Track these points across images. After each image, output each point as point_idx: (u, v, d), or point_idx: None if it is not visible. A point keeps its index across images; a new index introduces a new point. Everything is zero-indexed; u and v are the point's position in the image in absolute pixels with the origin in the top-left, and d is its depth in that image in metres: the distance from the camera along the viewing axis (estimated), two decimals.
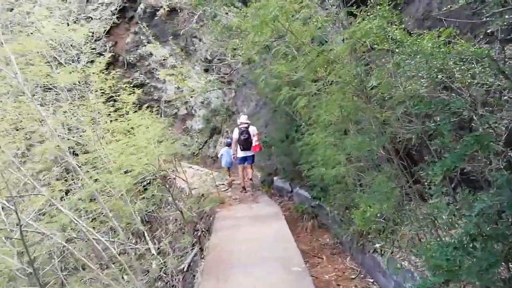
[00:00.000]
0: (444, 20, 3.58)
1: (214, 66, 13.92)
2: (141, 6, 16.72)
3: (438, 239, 2.86)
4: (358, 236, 4.84)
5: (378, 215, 3.44)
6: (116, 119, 9.38)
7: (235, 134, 7.59)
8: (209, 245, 4.58)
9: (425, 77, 3.11)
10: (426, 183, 3.34)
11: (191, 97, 15.76)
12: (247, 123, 7.62)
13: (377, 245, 3.98)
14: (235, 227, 5.18)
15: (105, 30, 16.01)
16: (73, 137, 8.63)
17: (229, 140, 9.81)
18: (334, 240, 5.86)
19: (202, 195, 7.40)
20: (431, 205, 2.63)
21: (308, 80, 4.50)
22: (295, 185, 7.72)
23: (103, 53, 15.93)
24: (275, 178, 8.66)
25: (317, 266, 5.22)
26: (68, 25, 9.55)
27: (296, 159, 7.28)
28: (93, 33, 15.96)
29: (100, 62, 8.73)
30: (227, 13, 10.19)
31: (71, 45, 9.06)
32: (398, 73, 3.28)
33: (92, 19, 15.99)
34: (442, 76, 3.16)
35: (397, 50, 3.33)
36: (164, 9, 14.66)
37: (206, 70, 14.94)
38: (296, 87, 6.01)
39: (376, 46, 3.48)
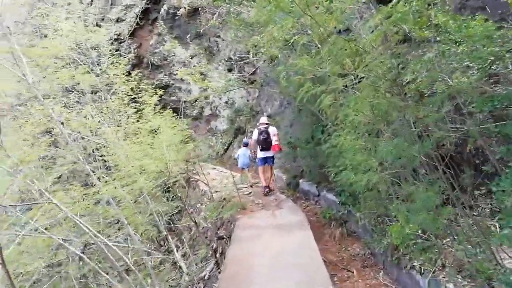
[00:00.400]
0: (482, 9, 3.04)
1: (236, 65, 13.65)
2: (164, 7, 16.70)
3: (497, 264, 2.33)
4: (393, 249, 4.31)
5: (419, 231, 2.94)
6: (138, 121, 9.29)
7: (255, 134, 7.44)
8: (227, 257, 4.22)
9: (476, 67, 2.59)
10: (473, 192, 2.80)
11: (215, 97, 15.60)
12: (266, 123, 7.45)
13: (416, 263, 3.46)
14: (256, 238, 4.78)
15: (129, 32, 16.12)
16: (94, 140, 8.59)
17: (246, 140, 9.97)
18: (365, 251, 5.32)
19: (224, 199, 7.06)
20: (502, 237, 2.08)
21: (334, 75, 4.02)
22: (322, 188, 7.23)
23: (128, 55, 16.10)
24: (300, 180, 8.20)
25: (346, 280, 4.73)
26: (86, 26, 9.60)
27: (322, 162, 6.80)
28: (118, 35, 16.19)
29: (120, 64, 8.53)
30: (248, 10, 9.84)
31: (92, 47, 9.00)
32: (441, 64, 2.76)
33: (116, 21, 16.14)
34: (497, 66, 2.62)
35: (440, 38, 2.82)
36: (185, 8, 14.46)
37: (230, 70, 14.68)
38: (321, 84, 5.55)
39: (413, 33, 2.98)
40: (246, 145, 9.58)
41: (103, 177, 7.37)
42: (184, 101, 16.21)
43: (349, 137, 3.65)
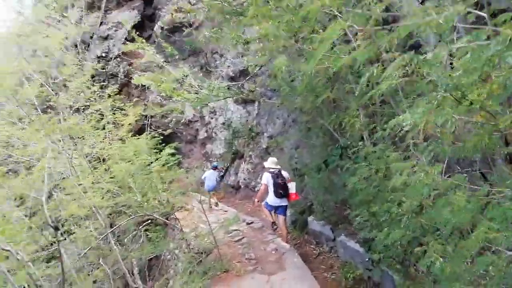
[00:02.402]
0: None
1: (234, 83, 12.18)
2: (159, 23, 15.53)
3: None
4: None
5: None
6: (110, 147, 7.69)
7: (266, 178, 5.92)
8: None
9: None
10: None
11: (211, 118, 14.03)
12: (276, 168, 6.00)
13: None
14: None
15: (119, 50, 14.82)
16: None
17: (215, 163, 10.53)
18: None
19: (202, 252, 5.20)
20: None
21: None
22: (340, 231, 5.45)
23: (117, 74, 14.78)
24: (310, 218, 6.41)
25: None
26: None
27: (341, 195, 5.08)
28: (106, 52, 14.90)
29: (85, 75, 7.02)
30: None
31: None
32: None
33: (105, 39, 14.90)
34: None
35: None
36: (172, 14, 13.35)
37: (228, 88, 13.21)
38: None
39: None
40: (215, 168, 10.04)
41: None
42: (176, 123, 14.69)
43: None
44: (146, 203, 5.91)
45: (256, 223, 6.72)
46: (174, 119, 14.61)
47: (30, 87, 6.17)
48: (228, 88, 13.18)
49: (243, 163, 11.46)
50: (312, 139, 6.38)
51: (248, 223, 6.72)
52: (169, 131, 11.92)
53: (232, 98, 13.06)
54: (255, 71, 8.54)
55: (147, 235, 8.10)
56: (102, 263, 6.03)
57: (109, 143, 7.17)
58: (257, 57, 7.07)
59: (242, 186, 11.25)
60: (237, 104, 12.69)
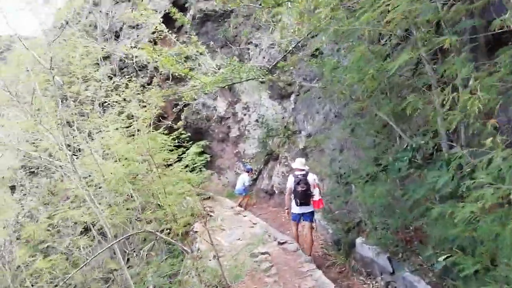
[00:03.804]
0: None
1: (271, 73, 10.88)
2: (191, 12, 14.64)
3: None
4: None
5: None
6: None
7: (290, 183, 5.45)
8: None
9: None
10: None
11: (244, 114, 12.84)
12: (303, 169, 5.43)
13: None
14: None
15: (150, 41, 14.10)
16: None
17: (249, 166, 10.35)
18: None
19: (216, 287, 3.94)
20: None
21: None
22: (402, 264, 3.98)
23: (146, 65, 14.09)
24: (358, 240, 4.95)
25: None
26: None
27: (408, 218, 3.65)
28: (137, 42, 14.27)
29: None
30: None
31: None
32: None
33: (135, 28, 14.28)
34: None
35: None
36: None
37: (262, 82, 11.97)
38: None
39: None
40: (249, 171, 9.93)
41: None
42: (208, 120, 13.69)
43: None
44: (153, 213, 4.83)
45: (290, 243, 5.38)
46: (205, 115, 13.61)
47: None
48: (262, 82, 12.04)
49: (278, 165, 10.13)
50: (361, 138, 4.95)
51: (280, 243, 5.40)
52: (180, 123, 10.70)
53: (267, 93, 11.84)
54: (290, 48, 7.20)
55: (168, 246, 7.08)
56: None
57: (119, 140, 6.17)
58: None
59: (277, 192, 9.91)
60: (272, 99, 11.41)
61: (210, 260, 4.41)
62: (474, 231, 2.01)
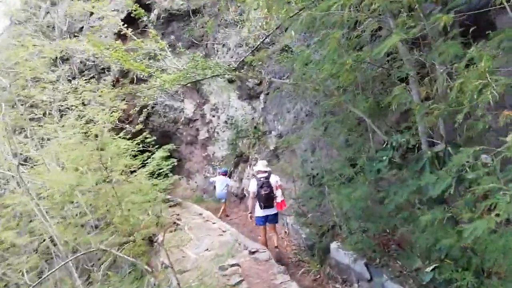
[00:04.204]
0: None
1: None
2: (155, 12, 14.02)
3: None
4: None
5: None
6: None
7: (252, 186, 5.41)
8: None
9: None
10: None
11: (212, 116, 12.38)
12: (266, 171, 5.44)
13: None
14: None
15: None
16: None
17: (225, 169, 9.53)
18: None
19: None
20: None
21: None
22: (379, 270, 3.74)
23: (109, 67, 13.31)
24: (333, 244, 4.69)
25: None
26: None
27: (389, 222, 3.41)
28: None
29: None
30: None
31: None
32: None
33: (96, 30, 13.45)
34: None
35: None
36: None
37: (231, 81, 11.60)
38: None
39: None
40: (225, 173, 9.07)
41: None
42: (176, 122, 13.14)
43: None
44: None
45: (261, 251, 5.03)
46: (172, 117, 13.04)
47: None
48: (231, 81, 11.64)
49: (248, 167, 9.78)
50: (334, 137, 4.70)
51: (251, 252, 5.05)
52: (138, 126, 10.00)
53: (236, 93, 11.45)
54: (259, 43, 6.91)
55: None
56: None
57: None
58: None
59: (247, 195, 9.56)
60: (241, 100, 11.06)
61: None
62: (474, 243, 1.76)
